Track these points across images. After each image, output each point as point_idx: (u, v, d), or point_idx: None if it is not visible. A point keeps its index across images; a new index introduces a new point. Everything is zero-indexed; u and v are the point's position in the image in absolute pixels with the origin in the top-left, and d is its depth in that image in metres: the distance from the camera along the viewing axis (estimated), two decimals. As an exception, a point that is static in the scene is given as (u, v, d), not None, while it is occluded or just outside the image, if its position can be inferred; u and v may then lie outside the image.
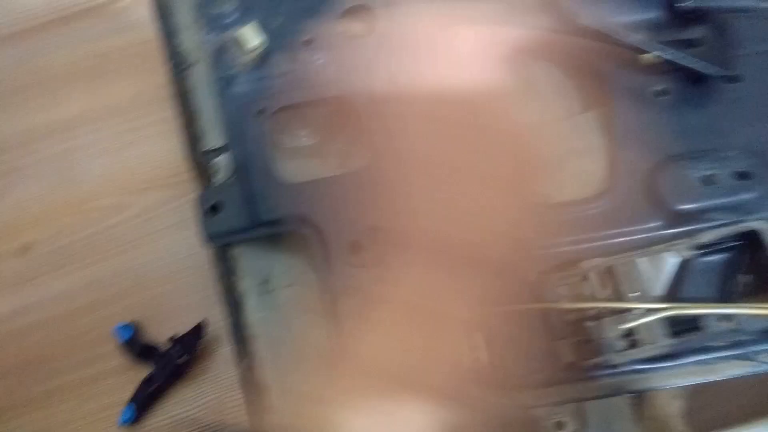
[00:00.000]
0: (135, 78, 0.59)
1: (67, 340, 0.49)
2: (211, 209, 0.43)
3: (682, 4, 0.44)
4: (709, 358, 0.38)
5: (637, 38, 0.42)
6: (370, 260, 0.40)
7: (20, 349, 0.49)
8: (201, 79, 0.52)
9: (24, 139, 0.57)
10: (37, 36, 0.61)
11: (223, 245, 0.44)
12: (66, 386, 0.48)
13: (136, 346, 0.46)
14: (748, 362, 0.37)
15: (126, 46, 0.62)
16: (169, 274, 0.50)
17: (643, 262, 0.39)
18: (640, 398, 0.39)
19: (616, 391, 0.37)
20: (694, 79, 0.44)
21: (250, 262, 0.44)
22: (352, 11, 0.51)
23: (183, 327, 0.47)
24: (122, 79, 0.60)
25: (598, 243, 0.39)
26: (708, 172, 0.40)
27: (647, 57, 0.45)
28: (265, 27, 0.50)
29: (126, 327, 0.46)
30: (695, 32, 0.44)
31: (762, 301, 0.39)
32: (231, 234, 0.43)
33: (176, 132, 0.56)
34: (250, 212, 0.43)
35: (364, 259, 0.40)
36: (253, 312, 0.42)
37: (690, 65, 0.42)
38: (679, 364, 0.37)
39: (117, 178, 0.55)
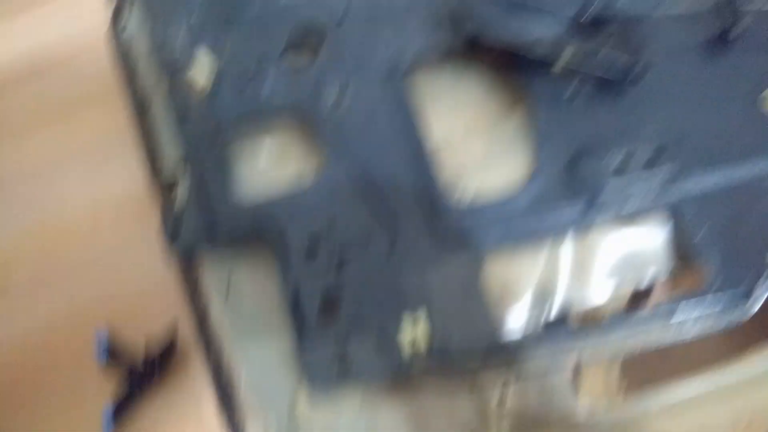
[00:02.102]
0: (99, 118, 0.63)
1: (48, 364, 0.51)
2: (173, 230, 0.47)
3: (586, 15, 0.50)
4: (638, 326, 0.42)
5: (545, 49, 0.47)
6: (326, 263, 0.44)
7: (2, 382, 0.51)
8: (160, 113, 0.57)
9: (-6, 183, 0.60)
10: (2, 85, 0.64)
11: (186, 260, 0.47)
12: (48, 403, 0.50)
13: (114, 357, 0.49)
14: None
15: (89, 90, 0.66)
16: (143, 289, 0.53)
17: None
18: (577, 372, 0.42)
19: (553, 367, 0.41)
20: (603, 81, 0.49)
21: (213, 274, 0.47)
22: (301, 39, 0.56)
23: (157, 337, 0.49)
24: (87, 120, 0.63)
25: (526, 229, 0.44)
26: (619, 163, 0.45)
27: (558, 65, 0.50)
28: (214, 61, 0.55)
29: (104, 340, 0.49)
30: (600, 39, 0.50)
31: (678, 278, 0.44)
32: (193, 250, 0.46)
33: (140, 167, 0.60)
34: (211, 231, 0.47)
35: (321, 263, 0.44)
36: (219, 319, 0.45)
37: (595, 71, 0.48)
38: (610, 333, 0.41)
39: (88, 211, 0.58)
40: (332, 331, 0.42)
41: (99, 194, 0.58)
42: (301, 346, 0.42)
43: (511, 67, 0.51)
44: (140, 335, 0.50)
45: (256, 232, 0.47)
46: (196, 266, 0.47)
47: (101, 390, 0.49)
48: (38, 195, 0.59)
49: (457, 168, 0.49)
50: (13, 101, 0.63)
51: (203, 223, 0.47)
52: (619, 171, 0.45)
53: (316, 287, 0.44)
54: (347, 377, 0.40)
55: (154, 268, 0.53)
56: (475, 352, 0.40)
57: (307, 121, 0.51)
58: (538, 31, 0.50)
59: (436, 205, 0.45)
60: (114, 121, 0.62)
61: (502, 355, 0.41)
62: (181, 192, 0.50)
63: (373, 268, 0.44)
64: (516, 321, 0.42)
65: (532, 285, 0.43)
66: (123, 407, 0.47)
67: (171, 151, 0.53)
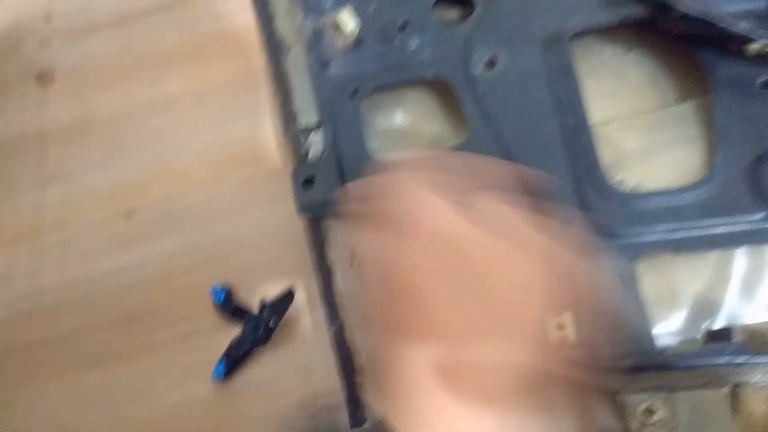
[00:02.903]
0: (231, 61, 0.63)
1: (165, 299, 0.52)
2: (305, 182, 0.45)
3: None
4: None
5: (744, 26, 0.41)
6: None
7: (122, 305, 0.53)
8: (297, 61, 0.54)
9: (130, 113, 0.62)
10: (142, 22, 0.65)
11: (315, 216, 0.46)
12: (163, 341, 0.51)
13: (230, 307, 0.49)
14: None
15: (223, 32, 0.65)
16: (261, 243, 0.53)
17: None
18: (736, 390, 0.38)
19: (711, 383, 0.37)
20: (805, 71, 0.42)
21: (340, 234, 0.45)
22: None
23: (272, 294, 0.49)
24: (219, 62, 0.63)
25: (695, 232, 0.39)
26: (818, 169, 0.39)
27: (753, 47, 0.43)
28: (360, 12, 0.52)
29: (221, 289, 0.49)
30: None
31: None
32: (323, 206, 0.45)
33: (269, 112, 0.59)
34: (342, 186, 0.45)
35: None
36: (342, 281, 0.44)
37: (801, 56, 0.41)
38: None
39: (214, 152, 0.58)
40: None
41: (227, 138, 0.58)
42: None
43: (688, 46, 0.45)
44: (257, 288, 0.50)
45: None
46: (323, 227, 0.46)
47: (214, 335, 0.49)
48: (167, 131, 0.60)
49: (616, 155, 0.44)
50: (149, 35, 0.64)
51: (336, 180, 0.45)
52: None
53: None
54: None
55: (277, 221, 0.52)
56: (625, 358, 0.37)
57: (453, 80, 0.48)
58: (736, 4, 0.43)
59: (593, 189, 0.41)
60: (248, 63, 0.61)
61: (655, 363, 0.37)
62: (315, 145, 0.49)
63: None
64: (673, 329, 0.38)
65: (694, 293, 0.39)
66: (234, 358, 0.48)
67: (306, 100, 0.51)
